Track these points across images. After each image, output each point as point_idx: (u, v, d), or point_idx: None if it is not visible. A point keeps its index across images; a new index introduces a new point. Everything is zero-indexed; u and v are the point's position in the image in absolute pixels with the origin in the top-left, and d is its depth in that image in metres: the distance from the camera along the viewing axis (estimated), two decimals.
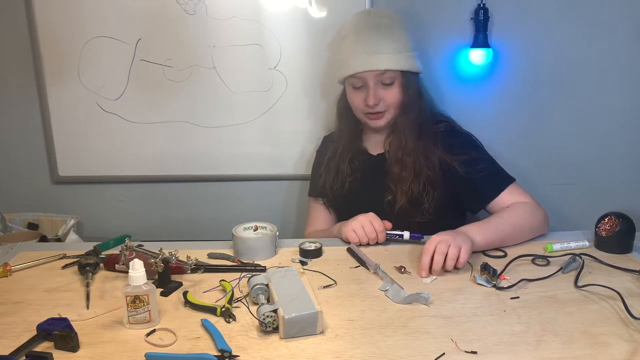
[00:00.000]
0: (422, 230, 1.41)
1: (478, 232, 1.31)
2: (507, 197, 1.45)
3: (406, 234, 1.39)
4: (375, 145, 1.61)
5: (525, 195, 1.46)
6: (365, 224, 1.38)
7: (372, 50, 1.47)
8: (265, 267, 1.25)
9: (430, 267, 1.21)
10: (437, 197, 1.49)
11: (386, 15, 1.54)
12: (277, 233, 1.36)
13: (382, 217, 1.42)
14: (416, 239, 1.39)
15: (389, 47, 1.47)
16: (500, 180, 1.48)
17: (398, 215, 1.48)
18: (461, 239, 1.23)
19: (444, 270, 1.22)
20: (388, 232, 1.39)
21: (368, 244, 1.39)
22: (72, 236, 1.83)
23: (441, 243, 1.21)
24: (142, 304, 1.01)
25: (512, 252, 1.31)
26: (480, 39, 1.73)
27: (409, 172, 1.49)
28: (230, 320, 1.04)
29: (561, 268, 1.22)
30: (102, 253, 1.32)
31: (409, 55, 1.51)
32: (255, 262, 1.29)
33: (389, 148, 1.56)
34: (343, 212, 1.59)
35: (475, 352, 0.92)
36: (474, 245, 1.27)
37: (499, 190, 1.46)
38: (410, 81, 1.51)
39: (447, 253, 1.20)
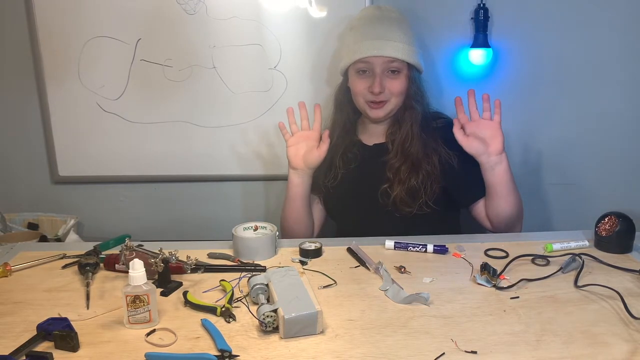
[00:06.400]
0: (416, 222, 1.44)
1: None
2: None
3: (430, 247, 1.33)
4: (371, 136, 1.61)
5: None
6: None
7: (383, 37, 1.49)
8: (265, 267, 1.25)
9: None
10: (435, 192, 1.49)
11: (394, 11, 1.57)
12: (277, 233, 1.36)
13: (377, 206, 1.45)
14: (441, 252, 1.33)
15: (399, 37, 1.50)
16: None
17: (393, 205, 1.49)
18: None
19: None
20: (411, 243, 1.34)
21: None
22: (72, 236, 1.83)
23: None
24: (142, 304, 1.01)
25: (512, 252, 1.31)
26: (480, 39, 1.73)
27: (408, 164, 1.50)
28: (230, 320, 1.04)
29: (561, 268, 1.22)
30: (102, 253, 1.32)
31: (416, 51, 1.53)
32: (255, 262, 1.29)
33: (392, 139, 1.55)
34: (336, 202, 1.61)
35: (475, 352, 0.92)
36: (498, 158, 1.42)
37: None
38: (415, 75, 1.54)
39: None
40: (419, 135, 1.52)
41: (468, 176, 1.48)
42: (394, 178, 1.50)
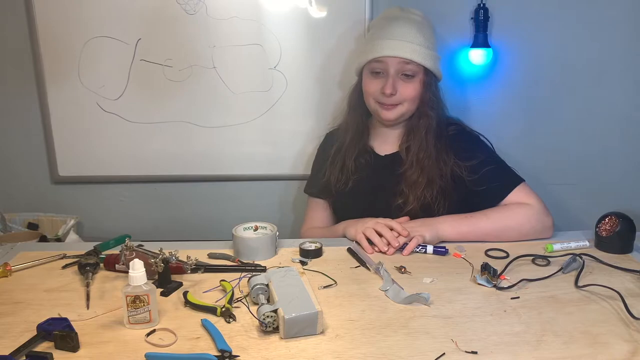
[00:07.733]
0: None
1: (450, 223, 1.39)
2: (512, 198, 1.43)
3: (430, 248, 1.34)
4: (382, 145, 1.58)
5: (532, 197, 1.43)
6: (384, 231, 1.35)
7: (400, 37, 1.45)
8: (265, 267, 1.25)
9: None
10: (448, 206, 1.47)
11: (417, 14, 1.53)
12: (277, 233, 1.36)
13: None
14: (441, 253, 1.34)
15: (417, 40, 1.45)
16: (508, 182, 1.45)
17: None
18: (419, 232, 1.34)
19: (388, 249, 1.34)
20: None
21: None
22: (72, 236, 1.83)
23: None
24: (142, 304, 1.01)
25: (513, 252, 1.31)
26: (480, 39, 1.73)
27: (425, 177, 1.46)
28: (230, 320, 1.04)
29: (561, 268, 1.22)
30: (102, 253, 1.32)
31: (435, 56, 1.49)
32: (255, 262, 1.29)
33: (407, 148, 1.51)
34: (346, 210, 1.57)
35: (475, 352, 0.92)
36: (440, 236, 1.38)
37: (505, 192, 1.43)
38: (431, 81, 1.49)
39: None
40: (434, 145, 1.48)
41: (480, 187, 1.45)
42: (410, 192, 1.47)
